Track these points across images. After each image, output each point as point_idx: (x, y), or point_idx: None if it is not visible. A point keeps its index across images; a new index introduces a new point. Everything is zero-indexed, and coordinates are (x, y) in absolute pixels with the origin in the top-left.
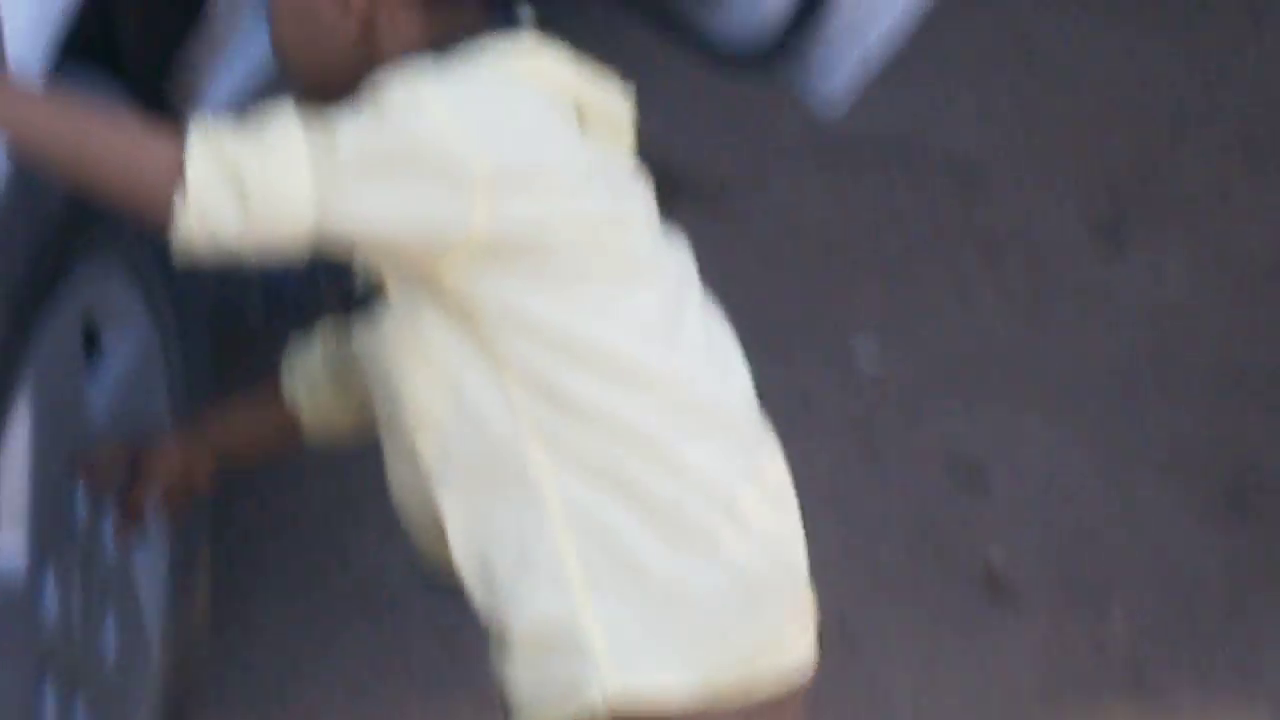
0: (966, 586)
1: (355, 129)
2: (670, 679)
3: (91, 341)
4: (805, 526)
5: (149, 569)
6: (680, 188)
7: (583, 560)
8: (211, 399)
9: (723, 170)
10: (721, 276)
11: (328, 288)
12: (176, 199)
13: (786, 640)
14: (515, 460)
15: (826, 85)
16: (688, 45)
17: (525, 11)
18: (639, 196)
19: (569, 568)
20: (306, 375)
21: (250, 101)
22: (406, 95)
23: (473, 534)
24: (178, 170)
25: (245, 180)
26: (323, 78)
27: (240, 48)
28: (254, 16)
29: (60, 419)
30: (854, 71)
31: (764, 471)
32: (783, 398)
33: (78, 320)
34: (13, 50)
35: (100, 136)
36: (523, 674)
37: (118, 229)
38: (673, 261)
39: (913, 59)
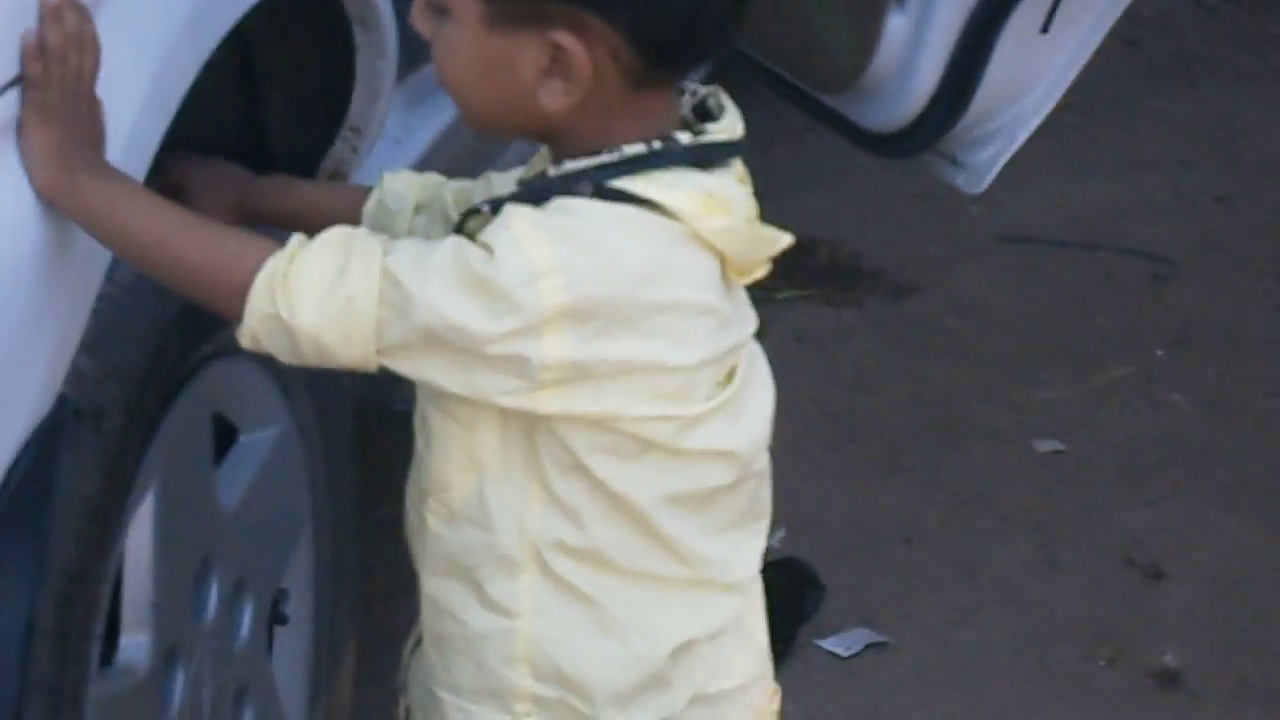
0: (1141, 685)
1: (440, 295)
2: None
3: (226, 437)
4: (976, 618)
5: (288, 663)
6: (867, 278)
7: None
8: (353, 492)
9: (909, 263)
10: (905, 366)
11: None
12: (240, 313)
13: None
14: (505, 578)
15: (973, 170)
16: (836, 131)
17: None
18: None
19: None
20: (386, 214)
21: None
22: (514, 279)
23: (441, 629)
24: (245, 289)
25: (287, 324)
26: (488, 120)
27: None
28: (403, 111)
29: (189, 518)
30: (1000, 155)
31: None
32: (960, 492)
33: (207, 417)
34: (120, 137)
35: (193, 241)
36: None
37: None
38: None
39: (1106, 147)
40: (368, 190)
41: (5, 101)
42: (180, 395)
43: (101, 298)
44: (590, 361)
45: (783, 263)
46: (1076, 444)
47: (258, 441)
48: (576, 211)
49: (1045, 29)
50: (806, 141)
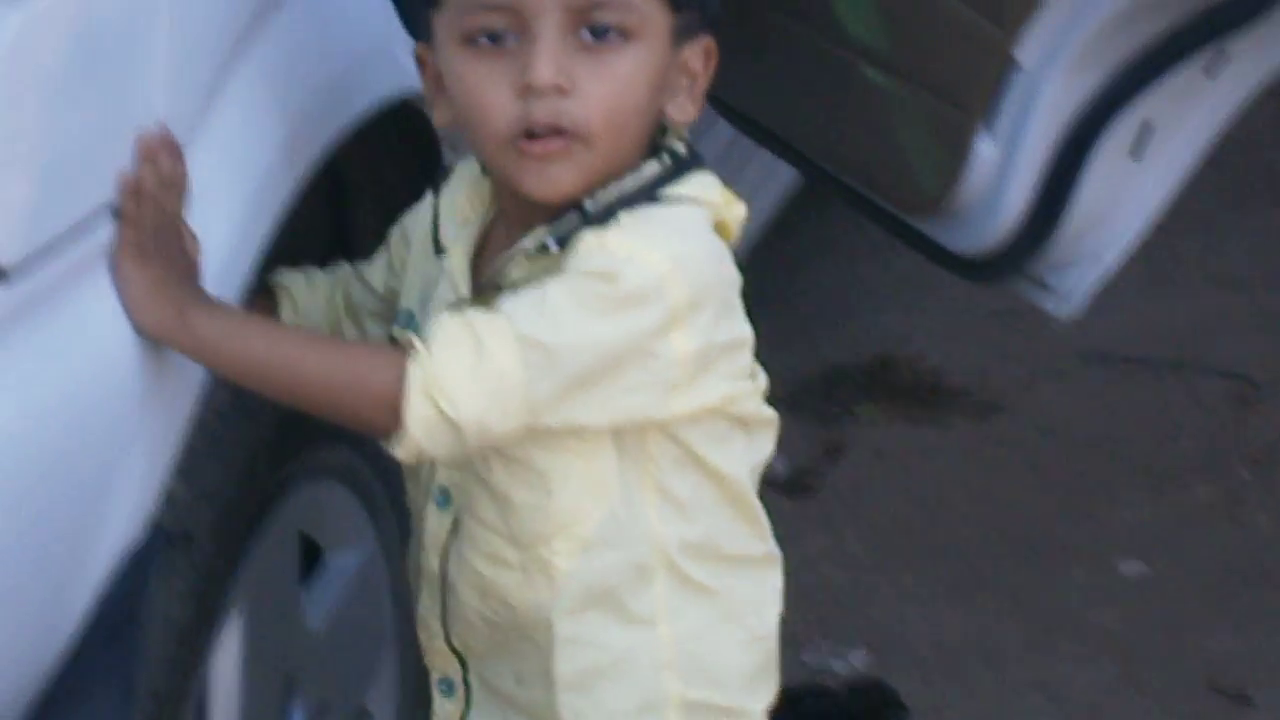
0: None
1: (582, 332)
2: None
3: (312, 555)
4: None
5: None
6: (948, 396)
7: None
8: None
9: (992, 381)
10: (986, 485)
11: None
12: (394, 426)
13: None
14: (643, 588)
15: (1066, 296)
16: (922, 253)
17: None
18: None
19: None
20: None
21: None
22: (645, 282)
23: (584, 662)
24: (396, 398)
25: (456, 422)
26: (622, 150)
27: None
28: None
29: (275, 639)
30: (1094, 282)
31: None
32: (1042, 612)
33: (294, 538)
34: (215, 265)
35: (316, 361)
36: None
37: (336, 446)
38: None
39: (1190, 265)
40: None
41: (100, 231)
42: (268, 517)
43: (193, 421)
44: (709, 348)
45: (865, 380)
46: (1160, 565)
47: (343, 561)
48: (657, 218)
49: (1136, 156)
50: (888, 257)
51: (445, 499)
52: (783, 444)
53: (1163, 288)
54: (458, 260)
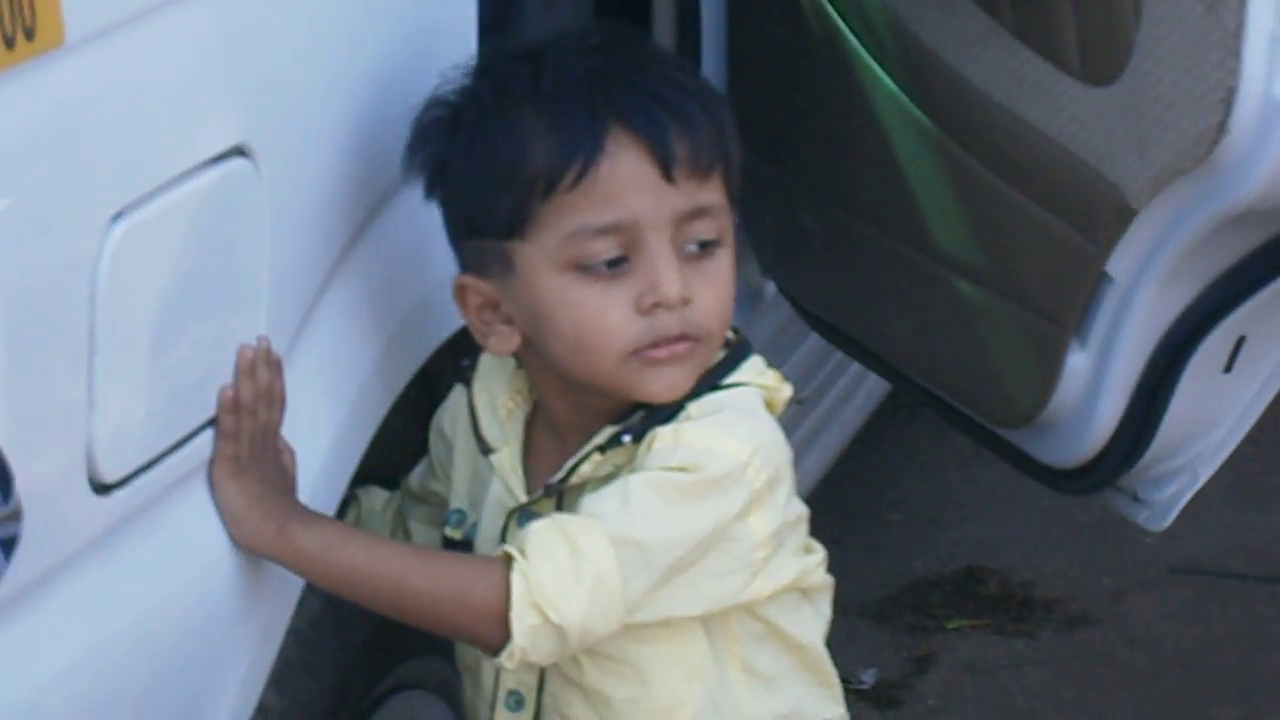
0: None
1: (671, 525)
2: None
3: None
4: None
5: None
6: (1038, 608)
7: None
8: None
9: (1082, 593)
10: (1077, 698)
11: None
12: (500, 636)
13: None
14: None
15: (1158, 510)
16: (1012, 464)
17: None
18: None
19: None
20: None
21: None
22: (728, 470)
23: None
24: (500, 612)
25: (562, 627)
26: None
27: None
28: None
29: None
30: (1186, 495)
31: None
32: None
33: None
34: (309, 479)
35: (418, 574)
36: None
37: (429, 657)
38: None
39: (1278, 480)
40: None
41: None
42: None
43: (288, 631)
44: (782, 527)
45: (954, 592)
46: None
47: None
48: (726, 404)
49: (1228, 368)
50: (976, 470)
51: (518, 703)
52: (871, 655)
53: (1255, 501)
54: (510, 460)
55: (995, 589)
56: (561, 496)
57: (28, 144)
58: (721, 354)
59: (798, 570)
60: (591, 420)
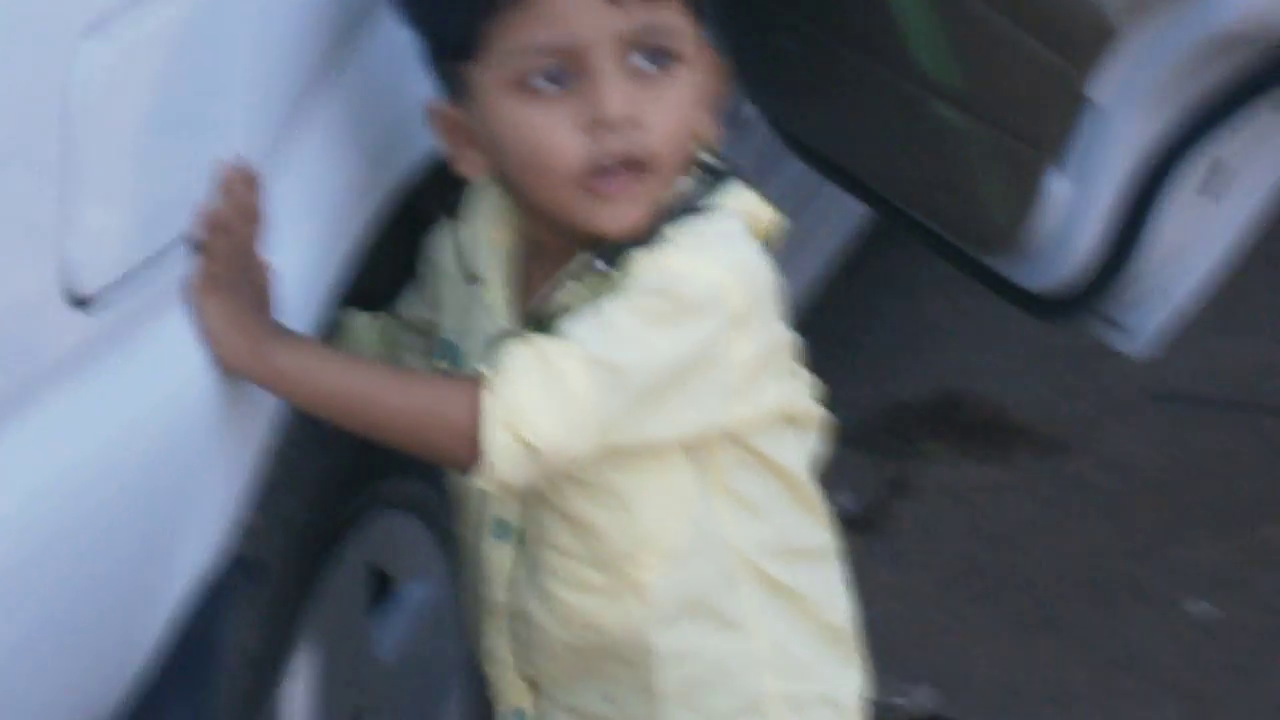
0: None
1: (648, 347)
2: None
3: (382, 586)
4: None
5: None
6: (1016, 434)
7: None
8: None
9: (1059, 419)
10: (1055, 526)
11: None
12: (473, 456)
13: None
14: (731, 592)
15: (1136, 334)
16: (993, 290)
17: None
18: None
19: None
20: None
21: None
22: (704, 293)
23: (686, 673)
24: (473, 429)
25: (539, 448)
26: (674, 174)
27: None
28: None
29: (344, 670)
30: (1165, 320)
31: None
32: (1109, 653)
33: (364, 569)
34: (290, 298)
35: (392, 394)
36: None
37: (409, 478)
38: None
39: (1260, 305)
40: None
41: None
42: (341, 548)
43: (269, 451)
44: (764, 351)
45: (931, 417)
46: (1228, 606)
47: (414, 593)
48: (703, 230)
49: (1209, 193)
50: (955, 294)
51: (504, 530)
52: (849, 480)
53: (1232, 327)
54: (496, 291)
55: (973, 414)
56: (543, 326)
57: None
58: (702, 179)
59: (781, 396)
60: (573, 248)
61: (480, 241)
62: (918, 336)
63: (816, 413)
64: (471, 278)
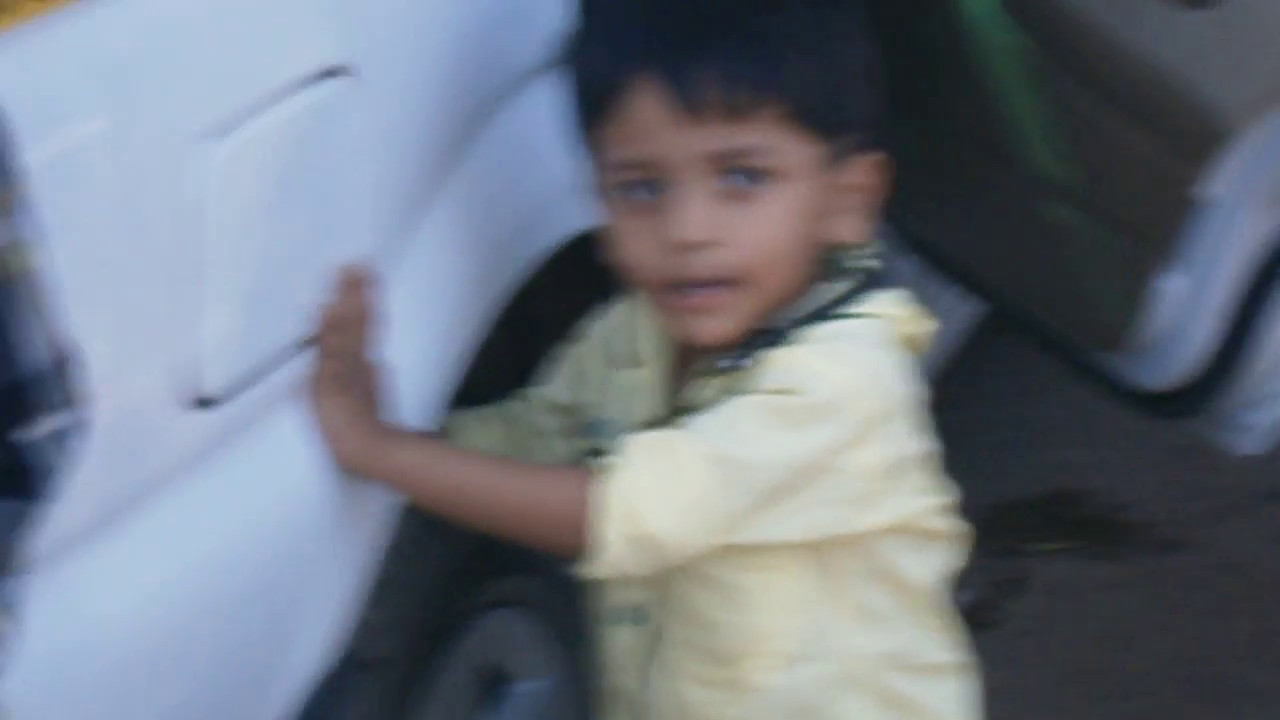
0: None
1: (772, 447)
2: None
3: (498, 684)
4: None
5: None
6: (1129, 532)
7: None
8: None
9: (1171, 517)
10: (1167, 623)
11: None
12: (589, 545)
13: None
14: (844, 700)
15: (1247, 434)
16: (1103, 387)
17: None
18: None
19: None
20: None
21: None
22: (832, 396)
23: None
24: (589, 518)
25: (656, 538)
26: (779, 285)
27: None
28: None
29: None
30: (1274, 418)
31: None
32: None
33: (476, 665)
34: (405, 396)
35: (510, 486)
36: None
37: (527, 575)
38: None
39: None
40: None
41: (295, 363)
42: (453, 644)
43: (387, 548)
44: (890, 462)
45: (1045, 514)
46: None
47: (532, 691)
48: (844, 334)
49: None
50: (1067, 391)
51: (640, 617)
52: (964, 577)
53: None
54: (655, 376)
55: (1087, 512)
56: (679, 417)
57: (129, 60)
58: (848, 284)
59: (912, 510)
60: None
61: (642, 325)
62: (1030, 432)
63: (949, 527)
64: (631, 360)
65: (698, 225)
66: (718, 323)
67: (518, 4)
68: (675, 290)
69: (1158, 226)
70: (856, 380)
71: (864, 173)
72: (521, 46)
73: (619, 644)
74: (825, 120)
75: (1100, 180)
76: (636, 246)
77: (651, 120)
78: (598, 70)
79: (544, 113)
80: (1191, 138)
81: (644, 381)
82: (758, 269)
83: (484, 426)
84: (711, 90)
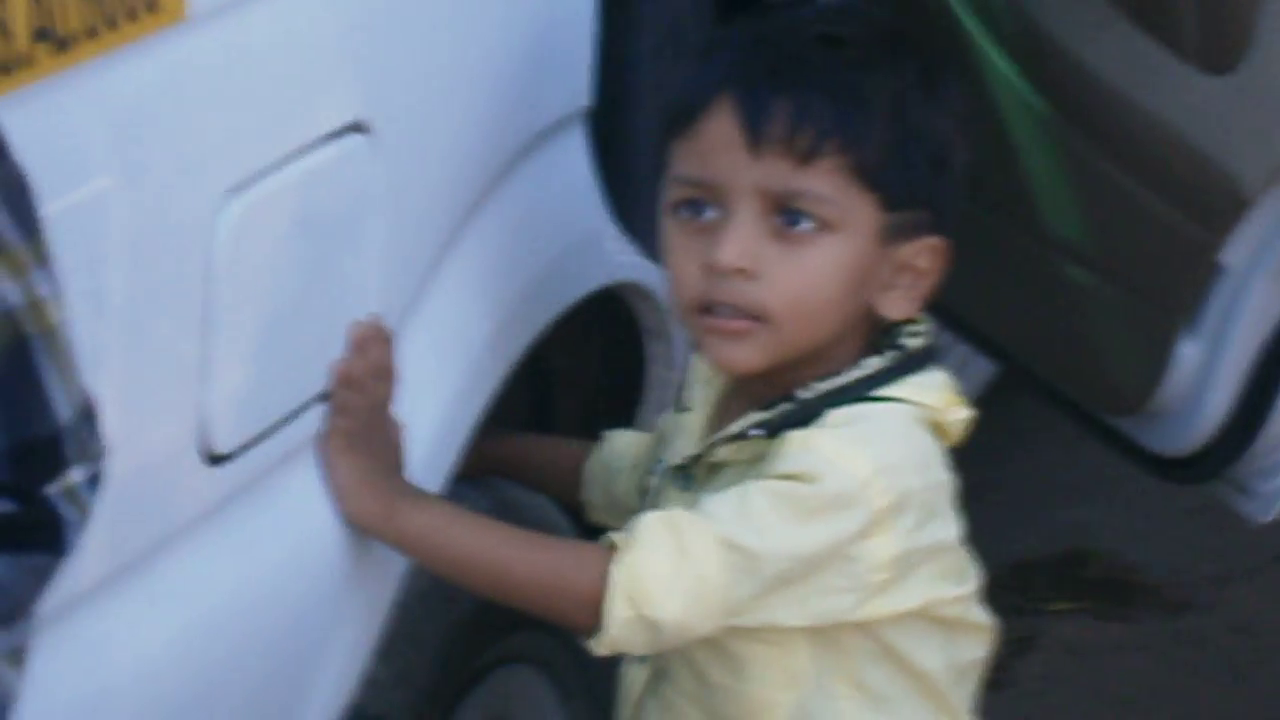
0: None
1: (783, 537)
2: None
3: None
4: None
5: None
6: (1140, 593)
7: None
8: None
9: (1184, 579)
10: (1177, 685)
11: None
12: (595, 625)
13: None
14: None
15: (1263, 499)
16: (1118, 451)
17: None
18: None
19: None
20: (607, 473)
21: None
22: (847, 487)
23: None
24: (597, 599)
25: (658, 623)
26: (814, 338)
27: None
28: None
29: None
30: None
31: None
32: None
33: None
34: (420, 455)
35: (518, 560)
36: None
37: (533, 633)
38: None
39: None
40: (587, 448)
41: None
42: (464, 701)
43: (393, 605)
44: (911, 553)
45: (1056, 574)
46: None
47: None
48: (866, 418)
49: None
50: (1077, 451)
51: (644, 656)
52: None
53: None
54: (699, 423)
55: (1097, 572)
56: (699, 471)
57: (148, 117)
58: (883, 362)
59: (924, 598)
60: (751, 396)
61: (698, 372)
62: (1042, 492)
63: (974, 618)
64: (681, 406)
65: (737, 252)
66: (741, 351)
67: (540, 60)
68: (705, 312)
69: (1175, 292)
70: (873, 471)
71: (922, 254)
72: (543, 102)
73: (627, 678)
74: (887, 185)
75: (1118, 244)
76: (681, 265)
77: (720, 143)
78: (689, 84)
79: (564, 169)
80: (1209, 205)
81: (690, 425)
82: (783, 312)
83: (627, 451)
84: (778, 125)
